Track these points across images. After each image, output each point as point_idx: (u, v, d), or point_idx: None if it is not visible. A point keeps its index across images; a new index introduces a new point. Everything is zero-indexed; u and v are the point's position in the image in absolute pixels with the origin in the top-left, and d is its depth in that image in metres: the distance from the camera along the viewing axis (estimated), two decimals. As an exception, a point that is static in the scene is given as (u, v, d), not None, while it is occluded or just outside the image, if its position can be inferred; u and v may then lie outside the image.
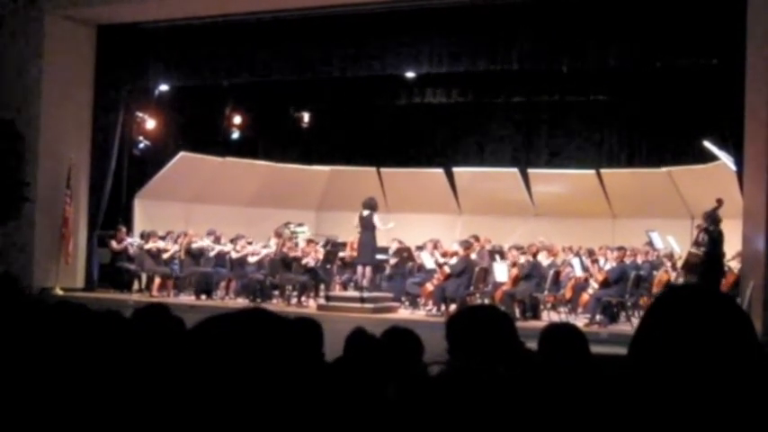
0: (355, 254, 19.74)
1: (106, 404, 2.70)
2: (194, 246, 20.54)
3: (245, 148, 25.34)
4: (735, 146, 15.91)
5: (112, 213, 21.55)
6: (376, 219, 18.68)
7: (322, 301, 19.00)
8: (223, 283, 20.62)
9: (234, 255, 20.40)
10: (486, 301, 17.77)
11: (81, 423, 2.71)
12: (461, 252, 18.57)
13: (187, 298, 19.82)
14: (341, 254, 20.87)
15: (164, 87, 22.60)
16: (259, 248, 20.63)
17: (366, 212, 18.63)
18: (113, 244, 20.92)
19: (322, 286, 20.28)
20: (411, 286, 19.33)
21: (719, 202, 15.81)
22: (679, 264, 17.88)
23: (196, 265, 20.49)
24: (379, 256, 19.81)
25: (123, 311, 4.14)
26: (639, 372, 2.07)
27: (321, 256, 20.00)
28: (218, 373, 2.06)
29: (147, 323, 5.04)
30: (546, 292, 18.06)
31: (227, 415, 2.05)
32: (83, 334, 3.02)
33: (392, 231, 20.35)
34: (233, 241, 20.76)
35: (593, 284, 17.78)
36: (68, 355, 2.85)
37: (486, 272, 18.54)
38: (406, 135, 26.22)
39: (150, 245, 20.49)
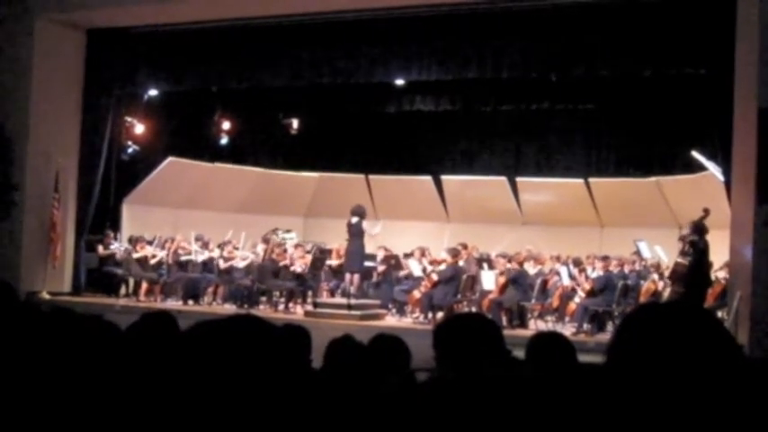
0: (342, 261, 19.77)
1: (91, 409, 2.69)
2: (181, 251, 20.51)
3: (233, 154, 25.33)
4: (723, 156, 15.95)
5: (100, 218, 21.52)
6: (365, 225, 18.68)
7: (309, 307, 18.97)
8: (210, 289, 20.60)
9: (221, 261, 20.38)
10: (474, 309, 17.80)
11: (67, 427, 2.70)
12: (449, 260, 18.58)
13: (174, 303, 19.74)
14: (328, 262, 20.84)
15: (153, 92, 22.55)
16: (247, 254, 20.61)
17: (354, 220, 18.64)
18: (100, 249, 20.89)
19: (309, 292, 20.26)
20: (398, 293, 19.32)
21: (706, 211, 15.85)
22: (666, 273, 17.92)
23: (183, 270, 20.46)
24: (367, 264, 19.82)
25: (110, 316, 4.11)
26: (616, 383, 2.08)
27: (309, 263, 19.99)
28: (207, 379, 2.05)
29: (150, 330, 5.02)
30: (533, 301, 18.08)
31: (214, 421, 2.05)
32: (65, 338, 3.01)
33: (379, 239, 20.35)
34: (221, 246, 20.75)
35: (581, 293, 17.80)
36: (49, 359, 2.85)
37: (474, 280, 18.54)
38: (394, 142, 26.24)
39: (138, 255, 20.45)
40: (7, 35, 19.82)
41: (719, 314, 15.21)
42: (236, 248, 20.79)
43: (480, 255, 20.33)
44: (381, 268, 20.24)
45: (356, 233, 18.67)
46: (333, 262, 20.90)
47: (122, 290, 20.90)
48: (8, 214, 19.40)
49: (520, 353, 4.91)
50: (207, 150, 24.87)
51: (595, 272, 18.26)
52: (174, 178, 23.12)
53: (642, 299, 17.48)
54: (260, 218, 24.01)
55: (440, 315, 17.68)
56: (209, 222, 22.91)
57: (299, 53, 19.73)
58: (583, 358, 5.32)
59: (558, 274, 19.01)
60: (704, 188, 18.88)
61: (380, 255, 20.49)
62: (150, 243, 21.07)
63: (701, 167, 19.67)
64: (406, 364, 5.55)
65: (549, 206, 23.37)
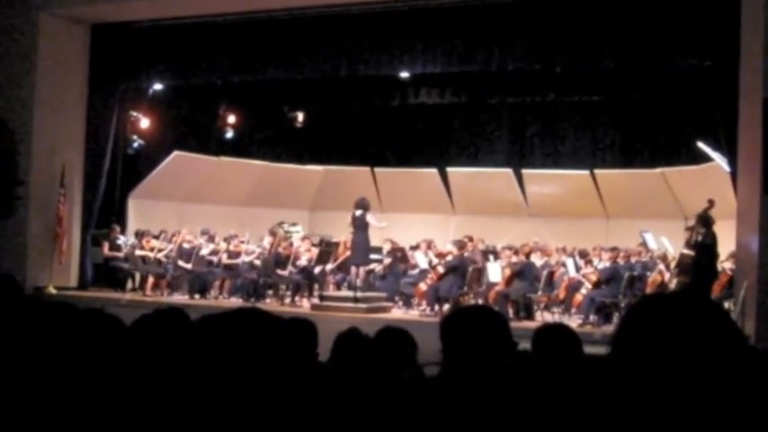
0: (344, 259, 19.82)
1: (97, 404, 2.69)
2: (186, 245, 20.52)
3: (238, 148, 25.34)
4: (728, 147, 15.93)
5: (106, 212, 21.55)
6: (370, 218, 18.67)
7: (316, 300, 19.01)
8: (217, 283, 20.61)
9: (226, 256, 20.39)
10: (480, 302, 17.81)
11: (71, 423, 2.71)
12: (455, 252, 18.59)
13: (181, 297, 19.78)
14: (328, 267, 20.74)
15: (158, 86, 22.59)
16: (252, 248, 20.61)
17: (359, 213, 18.63)
18: (106, 245, 20.92)
19: (316, 286, 20.27)
20: (405, 286, 19.33)
21: (711, 202, 15.82)
22: (672, 265, 17.90)
23: (189, 264, 20.46)
24: (373, 256, 19.82)
25: (116, 310, 4.10)
26: (622, 374, 2.08)
27: (315, 256, 19.98)
28: (214, 372, 2.06)
29: (159, 324, 5.01)
30: (539, 293, 18.08)
31: (221, 413, 2.05)
32: (66, 332, 3.02)
33: (386, 231, 20.35)
34: (227, 240, 20.75)
35: (587, 285, 17.78)
36: (51, 353, 2.86)
37: (480, 272, 18.54)
38: (400, 135, 26.23)
39: (143, 253, 20.47)
40: (11, 30, 19.83)
41: (726, 305, 15.21)
42: (243, 242, 20.81)
43: (486, 247, 20.31)
44: (387, 261, 20.24)
45: (360, 226, 18.67)
46: (333, 264, 20.83)
47: (129, 284, 20.90)
48: (14, 210, 19.42)
49: (526, 345, 4.92)
50: (212, 144, 24.90)
51: (601, 263, 18.25)
52: (179, 172, 23.14)
53: (648, 290, 17.44)
54: (265, 211, 24.00)
55: (446, 307, 17.71)
56: (214, 216, 22.92)
57: (304, 46, 19.71)
58: (589, 350, 5.32)
59: (564, 265, 19.01)
60: (710, 179, 18.85)
61: (386, 247, 20.49)
62: (156, 237, 21.09)
63: (707, 158, 19.64)
64: (412, 357, 5.55)
65: (554, 198, 23.35)
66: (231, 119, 25.43)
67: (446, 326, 3.92)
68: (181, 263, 20.36)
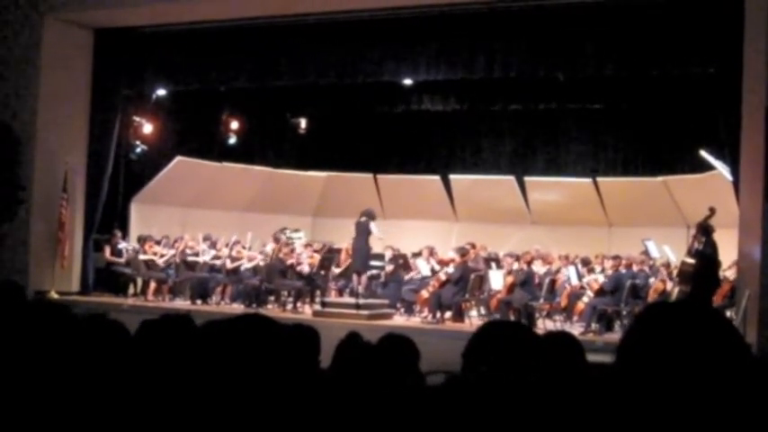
0: (346, 265, 19.85)
1: (102, 408, 2.69)
2: (189, 251, 20.52)
3: (241, 154, 25.33)
4: (731, 155, 15.92)
5: (109, 217, 21.55)
6: (372, 226, 18.72)
7: (317, 307, 18.98)
8: (219, 289, 20.59)
9: (228, 261, 20.38)
10: (482, 309, 17.88)
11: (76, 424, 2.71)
12: (458, 259, 18.58)
13: (182, 303, 19.76)
14: (334, 269, 20.78)
15: (161, 92, 22.62)
16: (254, 254, 20.61)
17: (362, 219, 18.73)
18: (108, 250, 20.94)
19: (318, 292, 20.26)
20: (406, 293, 19.33)
21: (712, 211, 15.82)
22: (675, 273, 17.89)
23: (191, 270, 20.46)
24: (375, 263, 19.83)
25: (118, 316, 4.10)
26: (627, 383, 2.08)
27: (317, 262, 19.98)
28: (218, 377, 2.06)
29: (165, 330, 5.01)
30: (541, 301, 18.06)
31: (225, 417, 2.05)
32: (67, 336, 3.02)
33: (387, 238, 20.35)
34: (229, 246, 20.75)
35: (589, 293, 17.77)
36: (53, 356, 2.85)
37: (482, 279, 18.53)
38: (402, 142, 26.25)
39: (145, 257, 20.48)
40: (15, 35, 19.85)
41: (728, 313, 15.19)
42: (245, 248, 20.79)
43: (488, 254, 20.31)
44: (389, 268, 20.24)
45: (360, 232, 18.76)
46: (338, 270, 20.84)
47: (130, 289, 20.90)
48: (16, 214, 19.42)
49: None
50: (215, 150, 24.90)
51: (604, 271, 18.24)
52: (182, 178, 23.14)
53: (651, 298, 17.43)
54: (268, 217, 23.99)
55: (448, 314, 17.76)
56: (217, 222, 22.92)
57: (307, 53, 19.75)
58: (591, 358, 5.31)
59: (566, 273, 18.98)
60: (712, 187, 18.82)
61: (388, 254, 20.50)
62: (158, 243, 21.09)
63: (709, 167, 19.64)
64: (414, 364, 5.55)
65: (557, 205, 23.34)
66: (234, 125, 25.45)
67: (478, 343, 3.86)
68: (190, 258, 20.41)
